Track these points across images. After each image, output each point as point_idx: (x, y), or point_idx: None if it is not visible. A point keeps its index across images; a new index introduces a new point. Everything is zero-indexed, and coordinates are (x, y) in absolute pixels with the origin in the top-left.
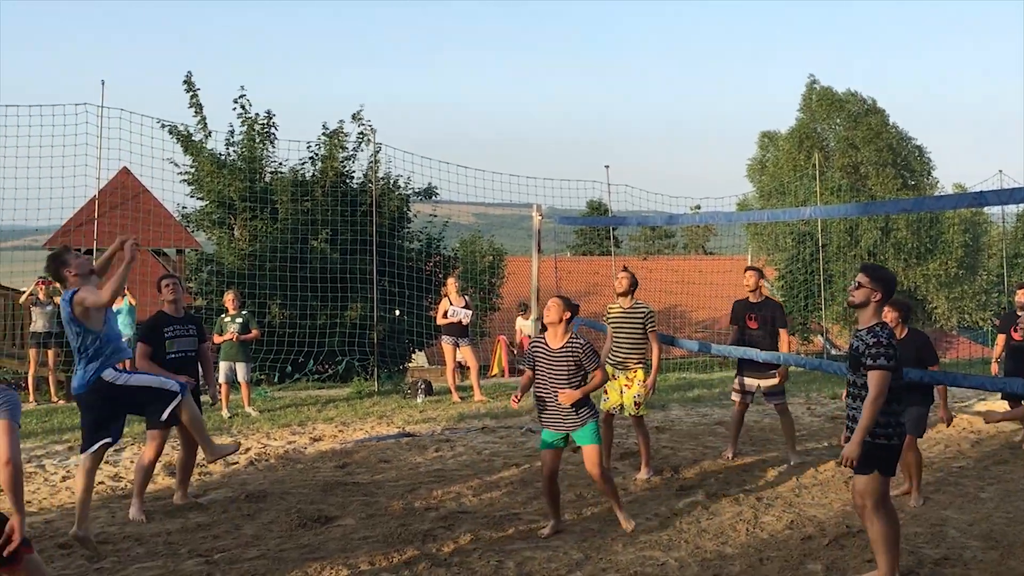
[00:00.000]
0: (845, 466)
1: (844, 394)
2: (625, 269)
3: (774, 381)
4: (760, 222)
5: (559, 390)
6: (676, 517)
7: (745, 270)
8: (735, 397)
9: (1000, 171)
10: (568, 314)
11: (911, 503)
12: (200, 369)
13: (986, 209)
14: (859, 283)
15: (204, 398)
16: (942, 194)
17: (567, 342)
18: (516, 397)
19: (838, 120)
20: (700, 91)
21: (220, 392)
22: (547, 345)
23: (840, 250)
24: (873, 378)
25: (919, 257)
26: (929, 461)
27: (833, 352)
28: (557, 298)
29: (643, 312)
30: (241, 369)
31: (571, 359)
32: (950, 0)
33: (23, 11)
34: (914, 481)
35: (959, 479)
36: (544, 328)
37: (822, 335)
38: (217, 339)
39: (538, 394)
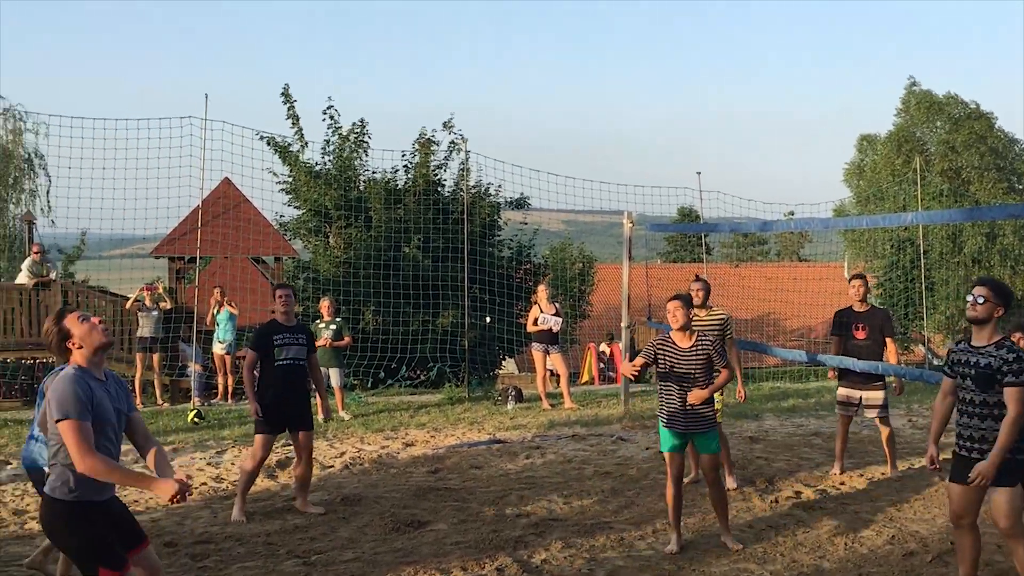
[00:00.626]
0: (977, 484)
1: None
2: (698, 279)
3: (880, 393)
4: (858, 228)
5: (691, 390)
6: (771, 530)
7: (851, 279)
8: (839, 410)
9: None
10: (692, 312)
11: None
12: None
13: None
14: (982, 298)
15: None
16: None
17: (697, 340)
18: (634, 367)
19: (938, 123)
20: (795, 94)
21: (335, 404)
22: (676, 345)
23: (942, 257)
24: (1016, 395)
25: None
26: None
27: (935, 362)
28: (676, 300)
29: (721, 320)
30: (335, 375)
31: (703, 357)
32: None
33: (132, 34)
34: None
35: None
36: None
37: (923, 344)
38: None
39: (665, 395)
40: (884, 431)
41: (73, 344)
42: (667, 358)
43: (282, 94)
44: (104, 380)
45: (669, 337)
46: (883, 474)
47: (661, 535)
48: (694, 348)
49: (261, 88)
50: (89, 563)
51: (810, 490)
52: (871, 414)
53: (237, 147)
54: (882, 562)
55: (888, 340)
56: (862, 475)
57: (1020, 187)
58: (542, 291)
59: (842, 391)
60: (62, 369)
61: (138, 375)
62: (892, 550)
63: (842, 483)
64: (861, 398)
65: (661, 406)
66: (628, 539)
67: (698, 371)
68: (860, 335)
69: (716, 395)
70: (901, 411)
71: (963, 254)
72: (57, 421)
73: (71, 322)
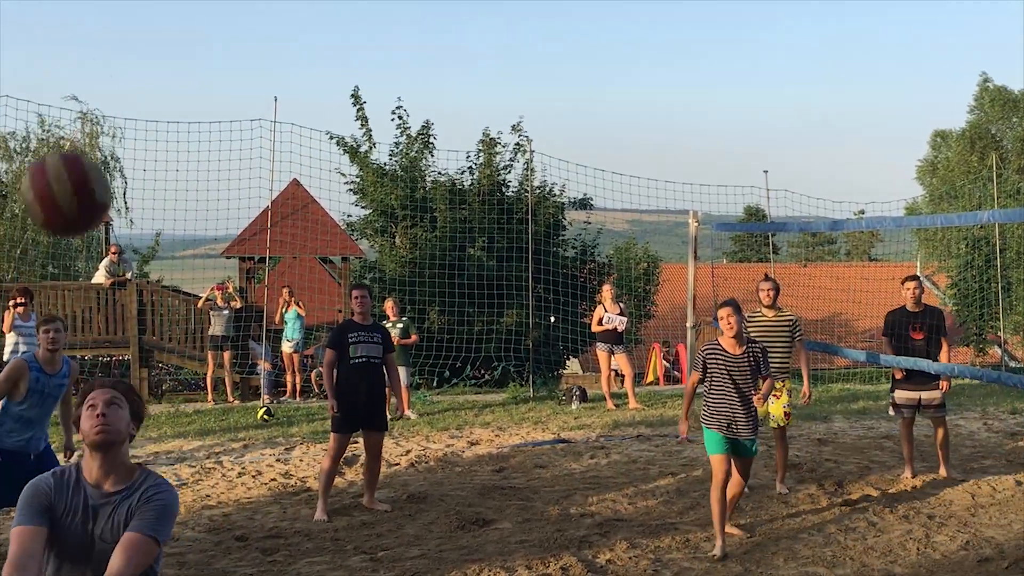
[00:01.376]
0: None
1: None
2: (767, 278)
3: (938, 393)
4: (931, 227)
5: (749, 394)
6: (841, 533)
7: (904, 280)
8: (894, 412)
9: None
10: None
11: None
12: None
13: None
14: None
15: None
16: None
17: (748, 346)
18: (685, 423)
19: (1015, 119)
20: (865, 89)
21: (404, 400)
22: (727, 352)
23: (1020, 256)
24: None
25: None
26: None
27: (1012, 364)
28: (728, 307)
29: (790, 321)
30: (402, 373)
31: (753, 363)
32: None
33: (205, 41)
34: None
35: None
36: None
37: (999, 346)
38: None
39: (716, 399)
40: (940, 432)
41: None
42: (720, 364)
43: (352, 95)
44: None
45: (718, 343)
46: (957, 477)
47: (728, 538)
48: (746, 355)
49: (330, 92)
50: None
51: (880, 493)
52: (931, 414)
53: (305, 148)
54: (955, 568)
55: (943, 340)
56: (935, 479)
57: None
58: (607, 291)
59: (901, 394)
60: None
61: (210, 372)
62: (966, 556)
63: (914, 487)
64: (920, 399)
65: (709, 411)
66: (694, 540)
67: (750, 377)
68: (917, 336)
69: (784, 399)
70: (976, 414)
71: None
72: None
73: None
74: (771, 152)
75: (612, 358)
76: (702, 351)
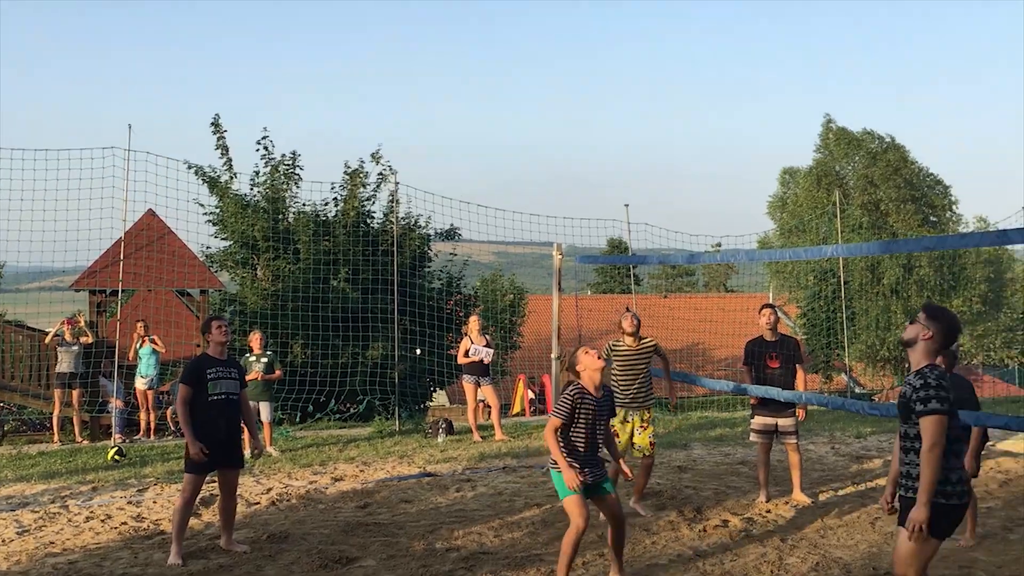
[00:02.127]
0: (914, 532)
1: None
2: (628, 310)
3: (792, 420)
4: (781, 260)
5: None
6: (700, 558)
7: (761, 308)
8: (755, 439)
9: None
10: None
11: (962, 543)
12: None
13: (1010, 246)
14: (915, 319)
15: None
16: (965, 230)
17: (606, 391)
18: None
19: (856, 158)
20: (720, 128)
21: (263, 438)
22: (592, 395)
23: (862, 287)
24: (925, 425)
25: (942, 294)
26: None
27: (857, 390)
28: (598, 359)
29: (652, 346)
30: (265, 408)
31: (612, 404)
32: (965, 36)
33: (51, 61)
34: (969, 520)
35: (987, 519)
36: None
37: (845, 373)
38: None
39: (578, 442)
40: (795, 457)
41: None
42: (586, 409)
43: (212, 124)
44: None
45: (581, 386)
46: (787, 501)
47: (591, 566)
48: (606, 396)
49: (187, 120)
50: None
51: (737, 518)
52: (786, 440)
53: (162, 178)
54: None
55: (798, 368)
56: (787, 503)
57: (934, 219)
58: (473, 322)
59: (759, 420)
60: None
61: (56, 411)
62: None
63: (768, 511)
64: (777, 424)
65: (570, 452)
66: (559, 571)
67: (608, 416)
68: (774, 364)
69: (650, 429)
70: (824, 438)
71: (882, 285)
72: None
73: None
74: (633, 186)
75: (479, 390)
76: (569, 397)
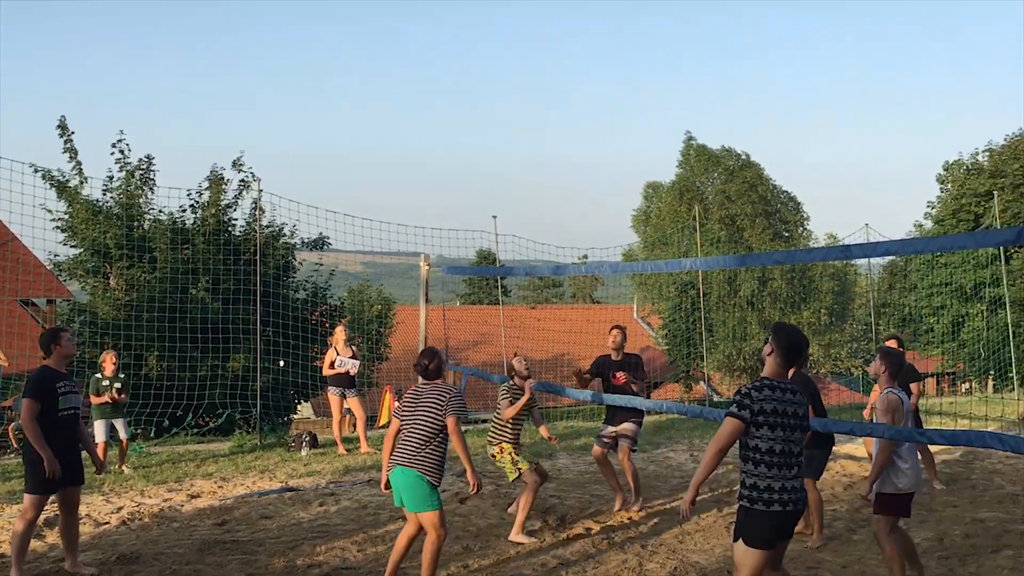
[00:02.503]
0: (681, 518)
1: None
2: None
3: (630, 426)
4: (644, 272)
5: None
6: (563, 568)
7: (611, 329)
8: (596, 443)
9: (867, 224)
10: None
11: (809, 544)
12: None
13: (854, 261)
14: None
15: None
16: (814, 246)
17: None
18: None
19: (715, 174)
20: (586, 142)
21: (100, 452)
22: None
23: (720, 300)
24: (723, 422)
25: (793, 306)
26: None
27: (716, 399)
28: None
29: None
30: (121, 426)
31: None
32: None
33: None
34: (815, 521)
35: (832, 521)
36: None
37: (704, 382)
38: (94, 400)
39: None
40: (629, 466)
41: None
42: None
43: (58, 126)
44: None
45: (419, 385)
46: (667, 508)
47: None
48: (431, 393)
49: (32, 122)
50: None
51: (600, 526)
52: (622, 447)
53: (5, 182)
54: None
55: (634, 387)
56: (649, 510)
57: (787, 234)
58: (339, 333)
59: (604, 430)
60: None
61: None
62: None
63: (630, 518)
64: (616, 434)
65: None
66: None
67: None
68: (617, 381)
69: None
70: (683, 446)
71: (739, 297)
72: None
73: None
74: (501, 198)
75: (344, 402)
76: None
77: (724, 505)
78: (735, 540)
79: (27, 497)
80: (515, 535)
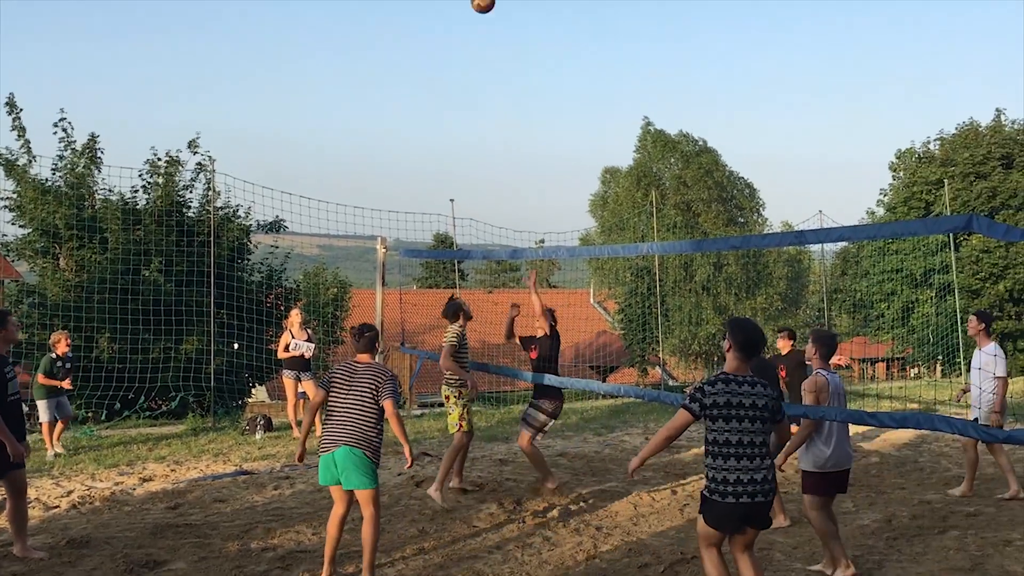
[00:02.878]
0: (628, 474)
1: None
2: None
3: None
4: (600, 257)
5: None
6: (519, 549)
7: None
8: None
9: (820, 211)
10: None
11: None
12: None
13: (808, 247)
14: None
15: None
16: (769, 231)
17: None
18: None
19: (672, 160)
20: (544, 126)
21: (45, 432)
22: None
23: (676, 284)
24: (676, 414)
25: (747, 291)
26: None
27: (671, 383)
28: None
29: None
30: (65, 404)
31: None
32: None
33: None
34: (777, 505)
35: (786, 504)
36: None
37: (660, 367)
38: (45, 380)
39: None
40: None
41: None
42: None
43: (7, 103)
44: None
45: (351, 362)
46: (621, 491)
47: (411, 560)
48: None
49: None
50: None
51: (556, 509)
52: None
53: None
54: (620, 574)
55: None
56: (603, 492)
57: (741, 220)
58: (295, 316)
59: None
60: None
61: None
62: (629, 562)
63: (585, 500)
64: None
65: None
66: (378, 566)
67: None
68: (532, 356)
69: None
70: (639, 429)
71: (694, 282)
72: None
73: None
74: (458, 182)
75: (299, 385)
76: (336, 368)
77: (678, 489)
78: (699, 513)
79: None
80: (433, 490)
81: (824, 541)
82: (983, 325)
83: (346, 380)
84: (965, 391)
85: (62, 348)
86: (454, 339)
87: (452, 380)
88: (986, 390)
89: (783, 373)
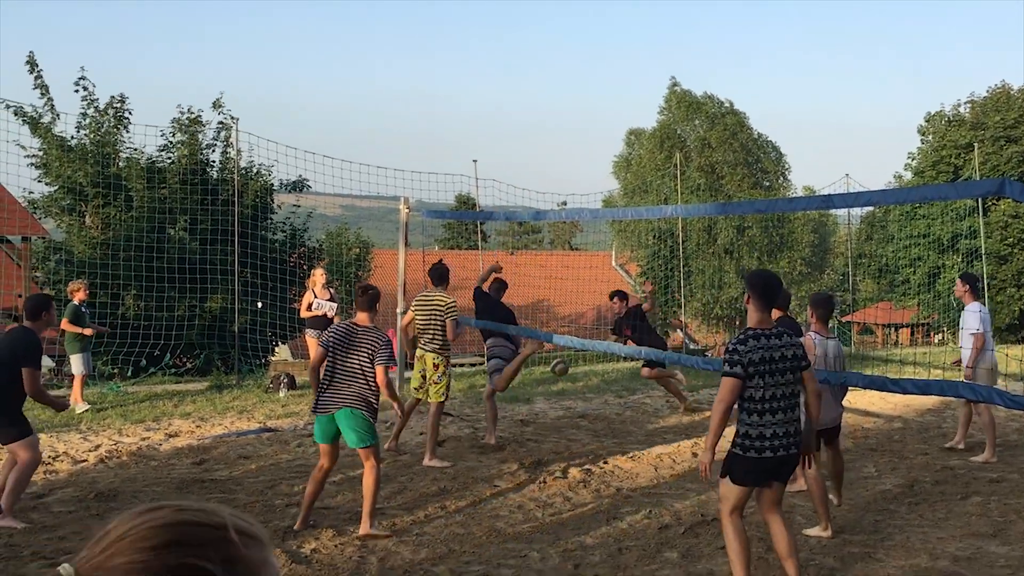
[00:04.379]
0: (702, 473)
1: None
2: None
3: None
4: (624, 219)
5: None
6: (539, 509)
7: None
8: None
9: (847, 175)
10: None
11: (792, 487)
12: None
13: (833, 211)
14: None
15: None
16: (793, 196)
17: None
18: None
19: (697, 121)
20: (568, 87)
21: (77, 386)
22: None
23: (699, 247)
24: (722, 384)
25: (770, 255)
26: None
27: (692, 347)
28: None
29: (444, 302)
30: (89, 358)
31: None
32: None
33: None
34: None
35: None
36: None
37: (682, 330)
38: (69, 327)
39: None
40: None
41: None
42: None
43: (27, 62)
44: None
45: (351, 323)
46: (640, 452)
47: (434, 519)
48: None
49: (9, 58)
50: None
51: (577, 469)
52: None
53: None
54: (640, 535)
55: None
56: (623, 453)
57: (767, 184)
58: (318, 275)
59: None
60: None
61: None
62: (649, 524)
63: (606, 462)
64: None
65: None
66: (401, 524)
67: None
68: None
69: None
70: (660, 392)
71: (717, 245)
72: None
73: None
74: (481, 142)
75: None
76: (335, 328)
77: (699, 450)
78: (721, 476)
79: (28, 440)
80: (427, 461)
81: (815, 499)
82: (967, 287)
83: (345, 342)
84: (956, 363)
85: (80, 296)
86: (456, 309)
87: (444, 350)
88: (966, 347)
89: None
